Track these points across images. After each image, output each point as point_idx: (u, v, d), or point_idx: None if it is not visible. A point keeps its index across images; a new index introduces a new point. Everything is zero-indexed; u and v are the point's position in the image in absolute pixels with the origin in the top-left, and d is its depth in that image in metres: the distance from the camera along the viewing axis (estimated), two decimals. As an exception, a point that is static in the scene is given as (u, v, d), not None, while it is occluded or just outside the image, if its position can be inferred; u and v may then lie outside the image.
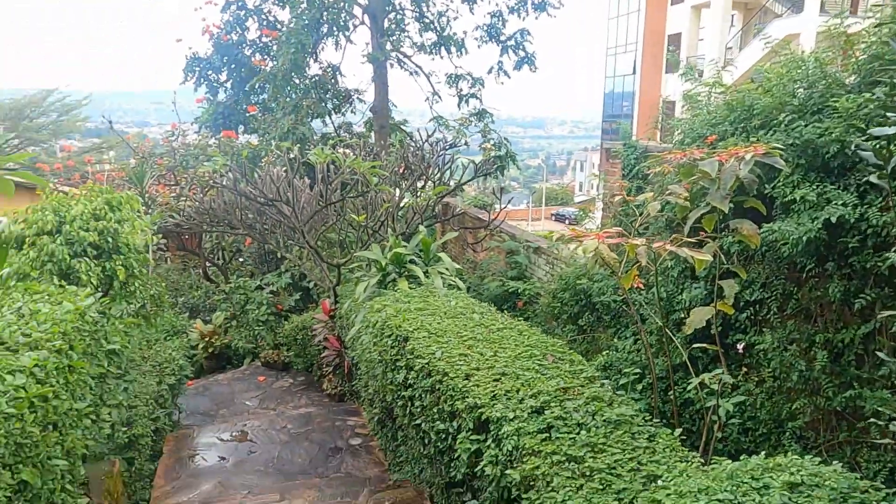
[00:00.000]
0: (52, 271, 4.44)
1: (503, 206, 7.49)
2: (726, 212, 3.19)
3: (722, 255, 3.55)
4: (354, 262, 6.76)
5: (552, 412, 2.82)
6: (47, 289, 3.89)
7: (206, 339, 11.70)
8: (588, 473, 2.40)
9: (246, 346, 11.49)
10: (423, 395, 3.58)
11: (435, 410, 3.40)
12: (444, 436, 3.35)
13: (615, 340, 5.86)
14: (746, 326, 4.40)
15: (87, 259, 4.57)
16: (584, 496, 2.27)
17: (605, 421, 2.75)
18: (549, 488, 2.38)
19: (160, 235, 14.35)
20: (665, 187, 3.69)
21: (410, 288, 5.12)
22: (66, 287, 4.02)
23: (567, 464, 2.47)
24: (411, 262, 5.46)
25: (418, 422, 3.74)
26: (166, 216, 8.80)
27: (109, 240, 4.76)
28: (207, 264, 14.00)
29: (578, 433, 2.66)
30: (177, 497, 5.54)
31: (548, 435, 2.69)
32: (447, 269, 5.45)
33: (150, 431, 5.71)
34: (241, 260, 14.35)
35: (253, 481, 5.79)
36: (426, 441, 3.76)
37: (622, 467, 2.43)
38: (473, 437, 3.01)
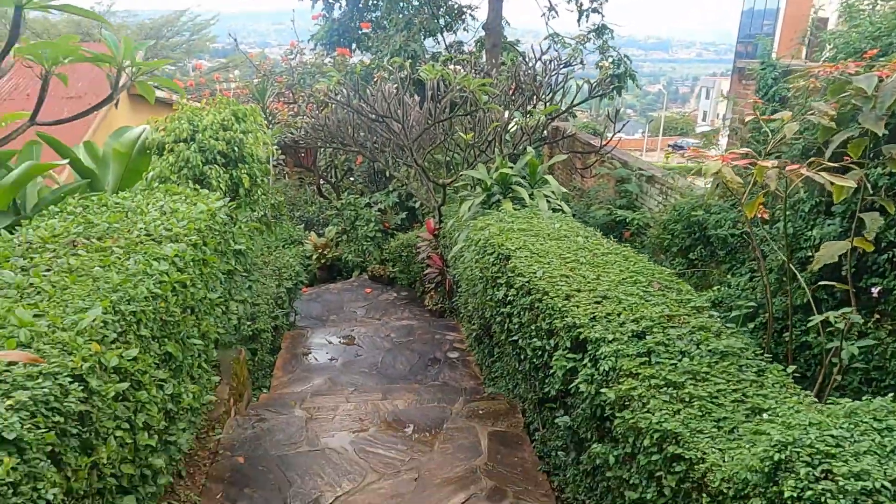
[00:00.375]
0: (188, 176, 4.86)
1: (617, 130, 7.10)
2: (880, 135, 2.80)
3: (868, 185, 3.17)
4: (459, 181, 6.80)
5: (654, 338, 2.76)
6: (184, 191, 4.28)
7: (319, 251, 12.48)
8: (687, 399, 2.35)
9: (355, 259, 12.14)
10: (521, 313, 3.63)
11: (532, 328, 3.44)
12: (540, 353, 3.40)
13: (728, 276, 5.54)
14: (885, 270, 3.96)
15: (217, 166, 4.95)
16: (681, 420, 2.24)
17: (710, 351, 2.65)
18: (645, 409, 2.37)
19: (279, 151, 15.22)
20: (806, 108, 3.29)
21: (514, 209, 5.09)
22: (200, 190, 4.40)
23: (665, 388, 2.43)
24: (517, 183, 5.39)
25: (515, 338, 3.81)
26: (285, 132, 9.24)
27: (235, 149, 5.10)
28: (321, 181, 14.71)
29: (680, 360, 2.59)
30: (292, 387, 6.15)
31: (647, 359, 2.64)
32: (553, 192, 5.34)
33: (270, 328, 6.30)
34: (351, 179, 14.92)
35: (358, 381, 6.27)
36: (522, 357, 3.84)
37: (725, 397, 2.36)
38: (570, 355, 3.03)
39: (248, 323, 5.85)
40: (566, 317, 3.09)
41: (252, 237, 5.34)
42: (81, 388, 1.81)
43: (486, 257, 4.24)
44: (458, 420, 4.63)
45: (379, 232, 12.19)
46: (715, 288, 4.21)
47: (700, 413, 2.28)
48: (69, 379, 1.77)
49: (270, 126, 8.97)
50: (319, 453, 4.19)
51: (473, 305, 5.72)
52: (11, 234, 3.27)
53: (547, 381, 3.41)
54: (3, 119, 5.64)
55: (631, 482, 2.45)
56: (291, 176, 16.01)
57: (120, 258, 2.83)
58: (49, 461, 1.62)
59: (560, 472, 3.76)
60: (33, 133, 5.43)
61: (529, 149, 5.50)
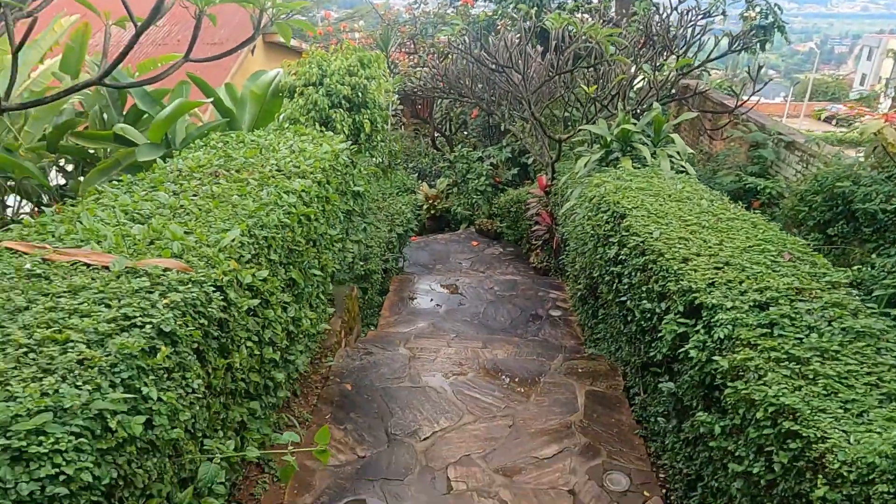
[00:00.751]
0: (315, 118, 5.12)
1: (757, 89, 6.49)
2: None
3: None
4: (577, 137, 6.59)
5: (779, 310, 2.57)
6: (311, 132, 4.52)
7: (430, 201, 12.76)
8: (811, 377, 2.19)
9: (463, 212, 12.29)
10: (632, 274, 3.52)
11: (643, 290, 3.34)
12: (648, 315, 3.30)
13: (873, 256, 5.00)
14: None
15: (341, 110, 5.16)
16: (801, 397, 2.10)
17: (843, 329, 2.44)
18: (761, 381, 2.24)
19: (398, 101, 15.53)
20: None
21: (634, 168, 4.87)
22: (325, 132, 4.63)
23: (787, 363, 2.28)
24: (638, 141, 5.13)
25: (623, 299, 3.72)
26: (405, 81, 9.38)
27: (359, 94, 5.27)
28: (436, 133, 14.89)
29: (807, 335, 2.41)
30: (398, 328, 6.45)
31: (769, 331, 2.48)
32: (678, 152, 5.03)
33: (381, 270, 6.60)
34: (465, 132, 14.95)
35: (460, 328, 6.44)
36: (628, 319, 3.75)
37: (856, 379, 2.17)
38: (681, 320, 2.91)
39: (361, 263, 6.17)
40: (681, 280, 2.96)
41: (369, 181, 5.56)
42: (222, 297, 2.04)
43: (599, 215, 4.12)
44: (556, 376, 4.65)
45: (489, 186, 12.21)
46: (856, 267, 3.81)
47: (825, 392, 2.12)
48: (212, 288, 2.00)
49: (392, 75, 9.14)
50: (420, 390, 4.40)
51: (581, 265, 5.62)
52: (164, 163, 3.65)
53: (653, 344, 3.31)
54: (159, 59, 6.19)
55: (737, 454, 2.36)
56: (408, 127, 16.34)
57: (254, 189, 3.07)
58: (195, 356, 1.86)
59: (658, 438, 3.68)
60: (183, 74, 5.95)
61: (656, 104, 5.19)
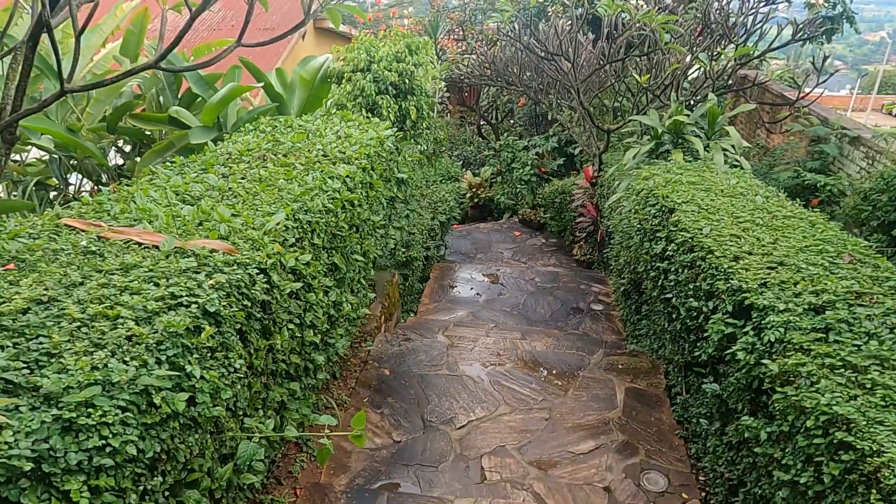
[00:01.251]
0: (362, 104, 5.14)
1: (821, 81, 6.17)
2: None
3: None
4: (627, 128, 6.42)
5: (835, 314, 2.45)
6: (357, 118, 4.55)
7: (473, 189, 12.71)
8: (869, 386, 2.08)
9: (507, 201, 12.19)
10: (679, 270, 3.41)
11: (691, 287, 3.23)
12: (695, 314, 3.20)
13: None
14: None
15: (388, 97, 5.17)
16: (857, 407, 2.00)
17: (907, 338, 2.30)
18: (813, 388, 2.14)
19: (444, 88, 15.46)
20: None
21: (685, 161, 4.71)
22: (371, 119, 4.64)
23: (843, 370, 2.17)
24: (691, 133, 4.96)
25: (669, 296, 3.61)
26: (452, 68, 9.33)
27: (406, 81, 5.27)
28: (481, 121, 14.78)
29: (866, 342, 2.28)
30: (437, 315, 6.48)
31: (824, 336, 2.36)
32: (732, 145, 4.83)
33: (422, 257, 6.63)
34: (511, 121, 14.79)
35: (499, 318, 6.42)
36: (673, 317, 3.64)
37: (918, 391, 2.05)
38: (729, 320, 2.81)
39: (403, 250, 6.20)
40: (731, 279, 2.85)
41: (413, 168, 5.56)
42: (265, 280, 2.07)
43: (646, 208, 4.01)
44: (596, 371, 4.57)
45: (534, 176, 12.06)
46: (922, 272, 3.59)
47: (883, 403, 2.01)
48: (256, 270, 2.03)
49: (440, 61, 9.11)
50: (457, 378, 4.40)
51: (625, 259, 5.50)
52: (215, 146, 3.74)
53: (698, 344, 3.21)
54: (213, 44, 6.33)
55: (783, 462, 2.26)
56: (454, 114, 16.28)
57: (300, 173, 3.11)
58: (238, 336, 1.90)
59: (699, 439, 3.58)
60: (236, 59, 6.07)
61: (711, 95, 4.99)
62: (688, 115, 4.93)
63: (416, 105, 5.38)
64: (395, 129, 5.19)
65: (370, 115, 4.91)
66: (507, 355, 4.74)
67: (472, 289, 7.18)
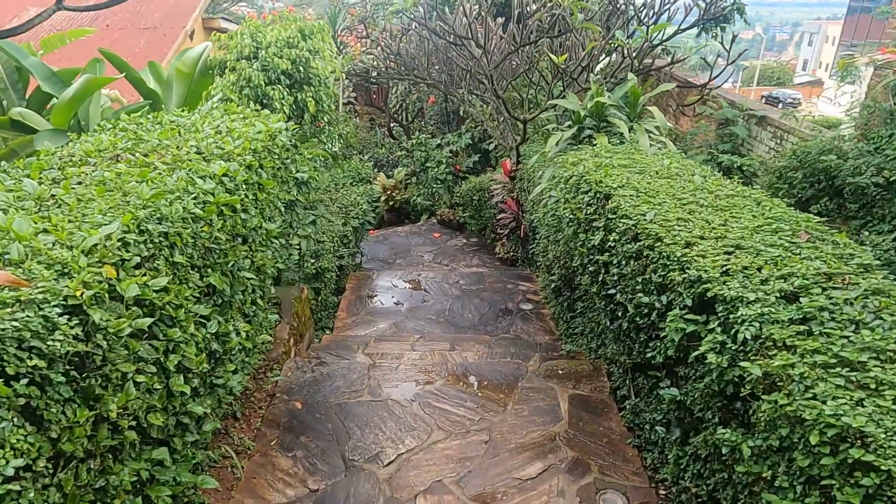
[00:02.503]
0: (250, 96, 4.45)
1: (729, 62, 6.13)
2: None
3: None
4: (544, 115, 6.10)
5: (812, 301, 2.11)
6: (243, 111, 3.87)
7: (388, 192, 12.12)
8: (874, 387, 1.73)
9: (424, 202, 11.71)
10: (623, 262, 3.03)
11: (639, 280, 2.85)
12: (645, 311, 2.82)
13: (864, 234, 4.68)
14: None
15: (280, 87, 4.51)
16: (869, 415, 1.63)
17: (895, 322, 1.99)
18: (809, 395, 1.77)
19: (351, 88, 14.76)
20: None
21: (611, 144, 4.39)
22: (261, 111, 3.98)
23: (839, 368, 1.82)
24: (613, 115, 4.66)
25: (612, 292, 3.23)
26: (356, 62, 8.72)
27: (301, 69, 4.63)
28: (392, 122, 14.23)
29: (856, 332, 1.95)
30: (356, 330, 5.86)
31: (807, 328, 2.01)
32: (657, 126, 4.58)
33: (335, 267, 5.99)
34: (422, 122, 14.34)
35: (425, 328, 5.90)
36: (618, 314, 3.27)
37: (930, 388, 1.71)
38: (690, 316, 2.44)
39: (312, 260, 5.55)
40: (688, 269, 2.48)
41: (317, 167, 4.93)
42: (79, 321, 1.42)
43: (579, 196, 3.62)
44: (535, 379, 4.15)
45: (450, 175, 11.66)
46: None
47: None
48: (59, 310, 1.37)
49: (341, 54, 8.47)
50: (381, 404, 3.83)
51: (554, 253, 5.15)
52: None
53: (651, 344, 2.83)
54: (68, 34, 5.38)
55: (777, 485, 1.88)
56: (362, 117, 15.63)
57: (161, 174, 2.44)
58: (19, 418, 1.24)
59: (655, 448, 3.22)
60: (97, 53, 5.17)
61: (631, 76, 4.72)
62: (608, 97, 4.64)
63: (315, 97, 4.75)
64: (292, 122, 4.56)
65: (260, 108, 4.24)
66: (437, 371, 4.22)
67: (392, 297, 6.62)
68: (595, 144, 4.49)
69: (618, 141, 4.51)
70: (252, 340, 3.15)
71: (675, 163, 3.73)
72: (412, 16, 5.84)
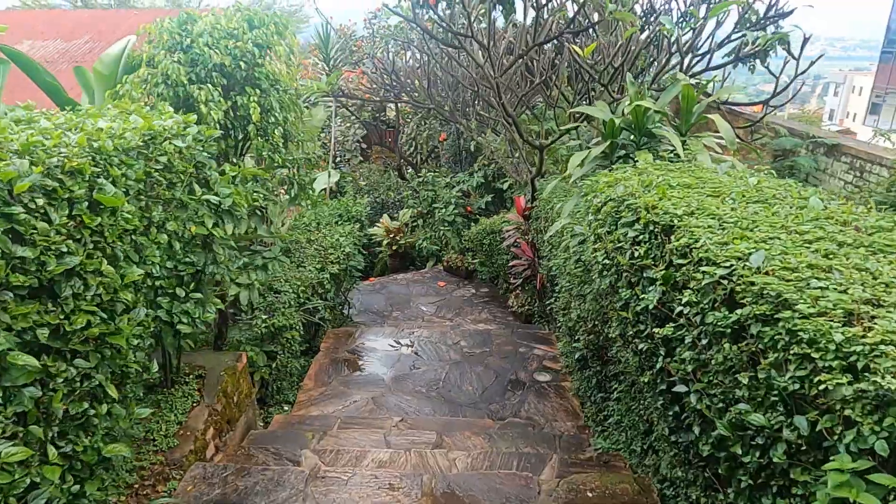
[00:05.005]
0: (165, 96, 3.32)
1: (797, 74, 4.89)
2: None
3: None
4: (564, 142, 4.89)
5: None
6: (137, 108, 2.72)
7: (392, 235, 10.95)
8: None
9: (430, 247, 10.51)
10: (706, 343, 1.72)
11: (742, 382, 1.53)
12: (757, 440, 1.50)
13: None
14: None
15: (210, 87, 3.38)
16: None
17: None
18: None
19: (358, 127, 13.84)
20: None
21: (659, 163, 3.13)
22: (165, 109, 2.83)
23: None
24: (659, 126, 3.43)
25: (679, 389, 1.90)
26: (339, 84, 7.69)
27: (242, 65, 3.51)
28: (402, 162, 13.23)
29: None
30: (323, 406, 4.56)
31: None
32: (722, 142, 3.34)
33: (300, 324, 4.75)
34: (435, 162, 13.32)
35: (410, 405, 4.58)
36: (691, 427, 1.93)
37: None
38: (882, 477, 1.11)
39: (264, 317, 4.31)
40: (864, 371, 1.17)
41: (266, 194, 3.75)
42: None
43: (619, 231, 2.34)
44: (552, 506, 2.77)
45: (459, 216, 10.48)
46: None
47: None
48: None
49: (331, 71, 7.47)
50: (313, 549, 2.49)
51: (579, 313, 3.83)
52: None
53: (774, 485, 1.50)
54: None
55: None
56: (375, 160, 14.72)
57: None
58: None
59: None
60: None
61: (681, 75, 3.51)
62: (653, 102, 3.43)
63: (261, 101, 3.62)
64: (223, 134, 3.41)
65: (174, 113, 3.10)
66: (406, 489, 2.87)
67: (377, 361, 5.32)
68: (636, 164, 3.25)
69: (665, 160, 3.25)
70: (94, 455, 1.89)
71: (768, 182, 2.45)
72: (401, 14, 4.76)
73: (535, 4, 3.91)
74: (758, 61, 7.91)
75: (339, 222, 6.79)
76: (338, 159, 13.52)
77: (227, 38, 3.54)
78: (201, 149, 2.82)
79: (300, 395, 4.74)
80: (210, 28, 3.52)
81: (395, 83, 6.54)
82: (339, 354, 5.41)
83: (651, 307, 1.99)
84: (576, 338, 3.98)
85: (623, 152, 3.65)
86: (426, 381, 4.97)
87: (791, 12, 4.58)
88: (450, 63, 5.97)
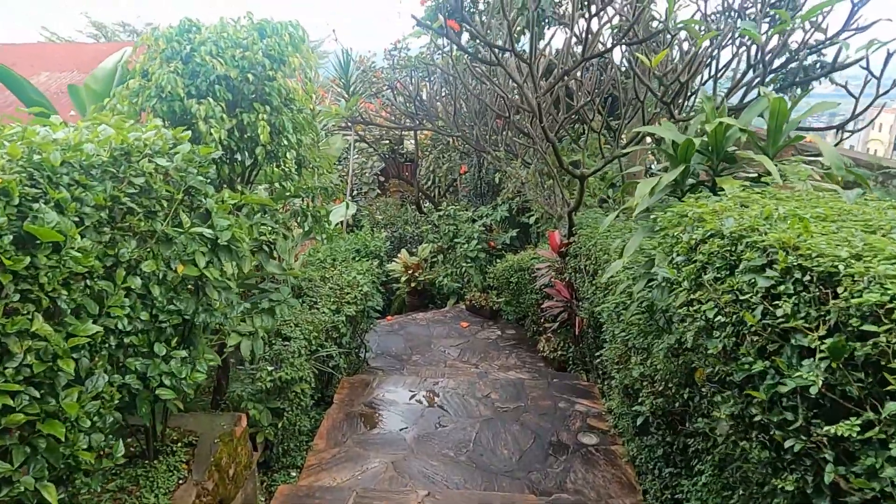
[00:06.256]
0: (158, 111, 2.83)
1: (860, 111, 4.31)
2: None
3: None
4: (603, 173, 4.34)
5: None
6: (118, 122, 2.22)
7: (410, 272, 10.39)
8: None
9: (451, 284, 9.92)
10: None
11: None
12: None
13: None
14: None
15: (210, 100, 2.88)
16: None
17: None
18: None
19: (377, 159, 13.50)
20: None
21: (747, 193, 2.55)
22: (151, 121, 2.33)
23: None
24: (744, 149, 2.86)
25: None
26: (358, 112, 7.25)
27: (250, 77, 3.03)
28: (421, 195, 12.78)
29: None
30: (335, 472, 3.94)
31: None
32: (823, 165, 2.76)
33: (311, 375, 4.17)
34: (455, 197, 12.85)
35: (437, 472, 3.94)
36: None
37: None
38: None
39: (270, 368, 3.74)
40: None
41: (275, 228, 3.21)
42: None
43: (741, 278, 1.75)
44: None
45: (482, 252, 9.91)
46: None
47: None
48: None
49: (349, 97, 7.05)
50: None
51: (644, 370, 3.21)
52: None
53: None
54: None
55: None
56: (393, 194, 14.33)
57: None
58: None
59: None
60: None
61: (765, 90, 2.96)
62: (734, 118, 2.87)
63: (273, 120, 3.12)
64: (221, 152, 2.90)
65: (171, 131, 2.60)
66: None
67: (397, 417, 4.69)
68: (716, 192, 2.68)
69: (752, 187, 2.67)
70: None
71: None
72: (431, 27, 4.30)
73: (585, 14, 3.41)
74: (799, 90, 7.28)
75: (357, 258, 6.26)
76: (355, 192, 13.12)
77: (233, 47, 3.07)
78: (195, 171, 2.30)
79: (310, 458, 4.12)
80: (215, 36, 3.05)
81: (418, 110, 6.07)
82: (355, 408, 4.79)
83: (815, 391, 1.38)
84: (638, 399, 3.34)
85: (691, 181, 3.09)
86: (454, 441, 4.32)
87: (869, 26, 4.04)
88: (478, 87, 5.50)
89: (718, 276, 1.84)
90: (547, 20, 5.35)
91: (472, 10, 10.28)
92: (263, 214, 3.15)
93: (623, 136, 4.60)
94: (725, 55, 6.63)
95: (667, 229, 2.49)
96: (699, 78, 3.49)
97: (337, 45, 10.75)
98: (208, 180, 2.46)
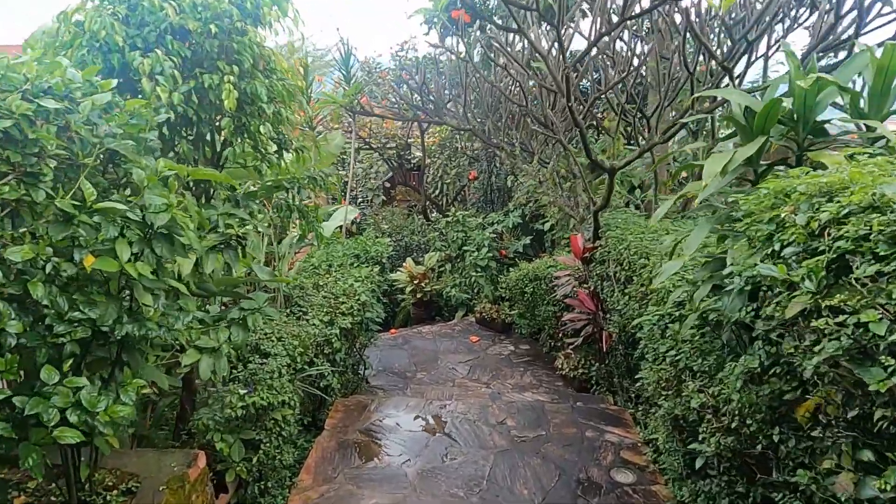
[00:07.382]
0: (90, 65, 2.23)
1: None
2: None
3: None
4: (633, 168, 3.70)
5: None
6: None
7: (416, 282, 9.74)
8: None
9: (460, 295, 9.25)
10: None
11: None
12: None
13: None
14: None
15: (160, 54, 2.28)
16: None
17: None
18: None
19: (381, 164, 12.95)
20: None
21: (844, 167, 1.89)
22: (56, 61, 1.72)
23: None
24: (840, 114, 2.23)
25: None
26: (359, 96, 6.66)
27: (213, 29, 2.42)
28: (428, 204, 12.18)
29: None
30: (322, 516, 3.28)
31: None
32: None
33: (294, 398, 3.53)
34: (463, 205, 12.24)
35: (444, 519, 3.28)
36: None
37: None
38: None
39: (242, 391, 3.10)
40: None
41: (246, 218, 2.58)
42: None
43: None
44: None
45: (493, 260, 9.26)
46: None
47: None
48: None
49: (348, 85, 6.47)
50: None
51: (706, 399, 2.54)
52: None
53: None
54: None
55: None
56: (400, 204, 13.76)
57: None
58: None
59: None
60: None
61: (861, 43, 2.33)
62: (829, 76, 2.25)
63: (244, 87, 2.51)
64: (169, 116, 2.29)
65: (118, 92, 1.99)
66: None
67: (398, 446, 4.03)
68: (815, 169, 2.03)
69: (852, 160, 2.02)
70: None
71: None
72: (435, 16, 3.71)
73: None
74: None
75: (356, 264, 5.63)
76: (359, 199, 12.55)
77: (197, -6, 2.47)
78: (119, 131, 1.68)
79: (293, 498, 3.45)
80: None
81: (425, 102, 5.48)
82: (349, 435, 4.14)
83: None
84: (696, 434, 2.66)
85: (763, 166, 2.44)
86: (464, 478, 3.65)
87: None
88: (491, 75, 4.90)
89: (884, 269, 1.19)
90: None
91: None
92: (236, 205, 2.55)
93: (658, 124, 3.96)
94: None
95: (755, 214, 1.84)
96: (764, 40, 2.87)
97: (338, 37, 10.19)
98: (149, 152, 1.84)
